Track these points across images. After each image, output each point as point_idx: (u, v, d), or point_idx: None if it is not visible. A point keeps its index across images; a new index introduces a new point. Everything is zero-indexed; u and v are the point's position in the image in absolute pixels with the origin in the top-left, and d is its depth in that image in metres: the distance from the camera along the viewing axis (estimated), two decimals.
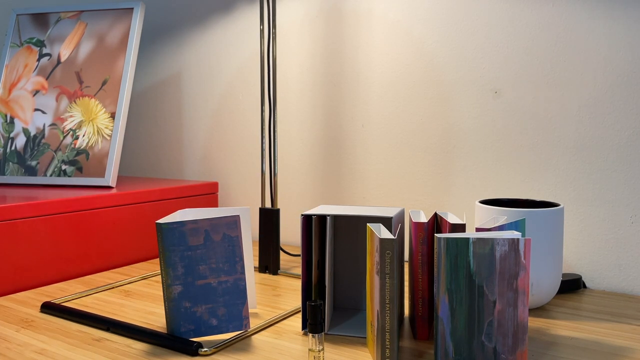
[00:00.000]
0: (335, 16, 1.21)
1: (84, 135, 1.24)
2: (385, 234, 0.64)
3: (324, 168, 1.25)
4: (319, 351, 0.62)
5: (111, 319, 0.77)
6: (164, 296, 0.70)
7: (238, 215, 0.69)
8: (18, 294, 0.93)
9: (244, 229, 0.79)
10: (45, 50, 1.33)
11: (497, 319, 0.60)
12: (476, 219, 0.84)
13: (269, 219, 1.03)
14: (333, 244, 0.81)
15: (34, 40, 1.34)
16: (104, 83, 1.27)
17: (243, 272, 0.68)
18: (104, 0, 1.53)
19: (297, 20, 1.26)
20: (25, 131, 1.29)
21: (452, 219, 0.71)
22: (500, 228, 0.69)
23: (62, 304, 0.86)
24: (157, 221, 0.67)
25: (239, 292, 0.68)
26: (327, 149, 1.24)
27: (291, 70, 1.28)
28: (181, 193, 1.25)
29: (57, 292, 0.93)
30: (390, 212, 0.76)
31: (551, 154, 1.00)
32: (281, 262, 1.05)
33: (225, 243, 0.68)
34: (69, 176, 1.22)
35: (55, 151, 1.25)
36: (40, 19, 1.35)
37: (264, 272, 1.03)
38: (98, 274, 1.07)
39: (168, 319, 0.70)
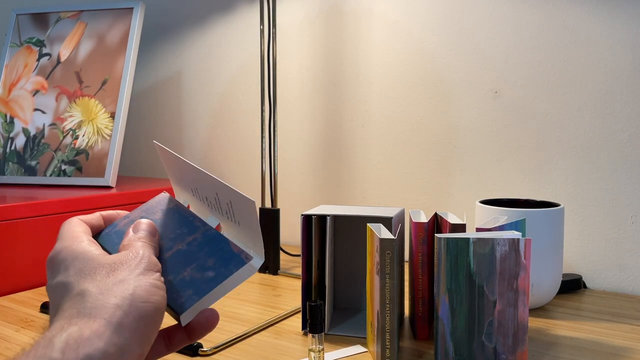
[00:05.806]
0: (335, 16, 1.21)
1: (83, 135, 1.24)
2: (385, 234, 0.64)
3: (324, 168, 1.25)
4: (319, 351, 0.62)
5: None
6: None
7: (163, 192, 0.63)
8: (18, 294, 0.93)
9: None
10: (45, 50, 1.33)
11: (497, 319, 0.60)
12: (476, 219, 0.84)
13: (269, 219, 1.03)
14: (333, 244, 0.81)
15: (33, 40, 1.34)
16: (103, 83, 1.26)
17: (206, 224, 0.61)
18: (104, 0, 1.53)
19: (297, 21, 1.26)
20: (25, 131, 1.28)
21: (452, 219, 0.71)
22: (501, 228, 0.69)
23: None
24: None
25: (215, 238, 0.59)
26: (327, 149, 1.24)
27: (291, 70, 1.27)
28: None
29: None
30: (390, 212, 0.76)
31: (551, 154, 1.00)
32: (281, 262, 1.05)
33: (169, 215, 0.62)
34: (69, 176, 1.22)
35: (55, 151, 1.25)
36: (40, 19, 1.35)
37: (264, 272, 1.03)
38: None
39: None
